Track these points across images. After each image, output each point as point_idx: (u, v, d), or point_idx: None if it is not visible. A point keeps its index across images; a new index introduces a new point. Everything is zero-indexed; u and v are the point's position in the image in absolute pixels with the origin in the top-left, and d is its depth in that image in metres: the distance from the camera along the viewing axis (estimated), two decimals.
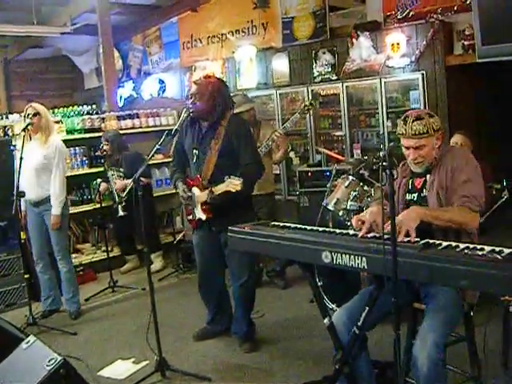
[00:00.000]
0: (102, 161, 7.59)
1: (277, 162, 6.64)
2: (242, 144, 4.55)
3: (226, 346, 4.93)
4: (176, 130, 4.38)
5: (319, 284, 5.22)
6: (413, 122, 3.25)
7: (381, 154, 2.54)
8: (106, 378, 4.52)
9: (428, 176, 3.37)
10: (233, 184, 4.16)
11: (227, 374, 4.43)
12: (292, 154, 8.94)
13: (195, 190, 4.61)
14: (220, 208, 4.44)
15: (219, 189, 4.31)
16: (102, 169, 7.55)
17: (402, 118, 3.33)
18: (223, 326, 5.09)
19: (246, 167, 4.49)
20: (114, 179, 7.09)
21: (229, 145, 4.53)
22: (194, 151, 4.65)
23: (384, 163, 2.58)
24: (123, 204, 6.66)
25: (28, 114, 5.50)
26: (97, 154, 7.57)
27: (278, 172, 8.58)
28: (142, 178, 6.80)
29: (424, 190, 3.39)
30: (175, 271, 7.31)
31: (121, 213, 6.82)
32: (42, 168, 5.55)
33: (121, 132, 7.67)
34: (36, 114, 5.50)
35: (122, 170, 7.06)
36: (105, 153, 7.23)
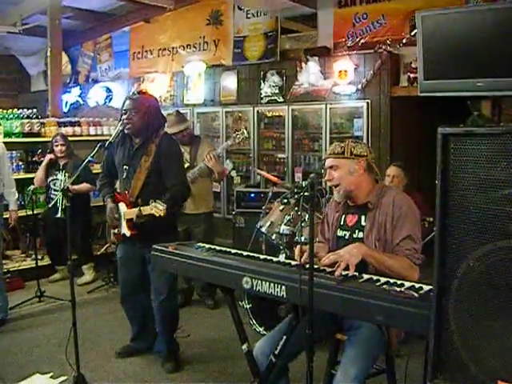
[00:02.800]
0: (39, 167, 7.43)
1: (217, 180, 6.59)
2: (170, 165, 4.51)
3: (148, 365, 4.83)
4: (110, 142, 4.31)
5: (247, 307, 5.20)
6: (335, 144, 3.30)
7: (303, 183, 2.52)
8: None
9: (363, 217, 3.34)
10: (157, 208, 4.14)
11: None
12: (234, 173, 8.92)
13: (122, 205, 4.55)
14: (144, 225, 4.38)
15: (145, 210, 4.26)
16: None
17: None
18: (147, 344, 5.00)
19: (172, 189, 4.44)
20: (62, 182, 6.93)
21: (158, 163, 4.48)
22: (125, 167, 4.58)
23: (305, 193, 2.56)
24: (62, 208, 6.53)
25: None
26: (34, 159, 7.42)
27: (218, 190, 8.54)
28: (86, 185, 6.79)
29: (357, 232, 3.35)
30: (105, 284, 7.16)
31: (59, 214, 6.68)
32: None
33: None
34: None
35: (67, 174, 6.92)
36: (58, 154, 7.00)
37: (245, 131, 6.65)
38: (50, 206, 6.83)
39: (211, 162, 5.99)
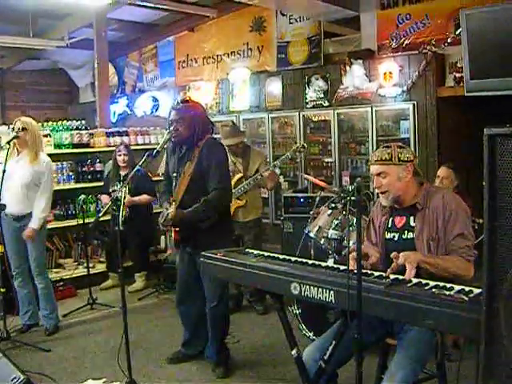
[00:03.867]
0: (89, 177, 7.60)
1: (270, 189, 6.66)
2: (212, 169, 4.53)
3: (198, 371, 4.86)
4: (157, 151, 4.34)
5: (297, 312, 5.20)
6: (380, 149, 3.29)
7: (349, 187, 2.52)
8: None
9: (412, 217, 3.33)
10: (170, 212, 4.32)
11: None
12: (281, 179, 8.92)
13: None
14: (191, 231, 4.45)
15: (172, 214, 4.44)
16: (87, 185, 7.57)
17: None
18: (198, 350, 5.03)
19: (212, 193, 4.49)
20: (124, 193, 7.03)
21: (200, 168, 4.51)
22: (174, 174, 4.66)
23: (352, 197, 2.55)
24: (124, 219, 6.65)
25: (15, 128, 5.45)
26: (84, 169, 7.59)
27: (266, 196, 8.58)
28: (145, 196, 6.88)
29: (406, 232, 3.34)
30: (155, 291, 7.24)
31: (120, 227, 6.79)
32: (30, 184, 5.47)
33: (110, 149, 7.66)
34: (23, 128, 5.40)
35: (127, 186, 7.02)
36: (120, 164, 7.08)
37: (305, 145, 6.75)
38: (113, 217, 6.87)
39: (270, 176, 6.10)
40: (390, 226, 3.44)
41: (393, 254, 3.02)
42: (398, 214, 3.40)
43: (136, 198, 6.79)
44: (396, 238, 3.38)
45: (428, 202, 3.29)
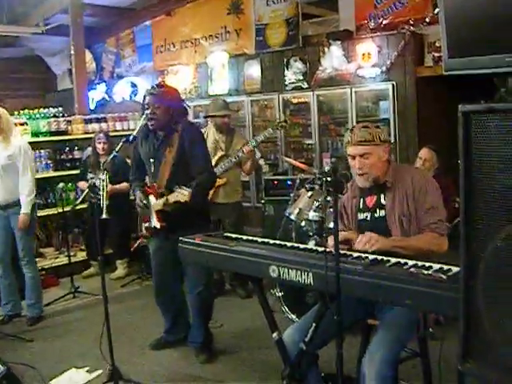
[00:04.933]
0: (68, 164, 7.53)
1: (247, 173, 6.60)
2: (195, 152, 4.51)
3: (181, 356, 4.86)
4: (134, 137, 4.29)
5: (279, 295, 5.19)
6: (359, 130, 3.24)
7: (325, 169, 2.50)
8: None
9: (382, 196, 3.34)
10: (182, 194, 4.16)
11: None
12: (262, 162, 8.88)
13: (151, 198, 4.59)
14: (175, 216, 4.41)
15: (171, 197, 4.31)
16: (66, 172, 7.52)
17: (350, 128, 3.31)
18: (180, 335, 5.02)
19: (198, 176, 4.45)
20: (103, 181, 6.98)
21: (183, 153, 4.48)
22: (151, 160, 4.61)
23: (328, 178, 2.53)
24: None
25: None
26: (62, 157, 7.52)
27: (247, 179, 8.55)
28: (125, 184, 6.82)
29: (377, 210, 3.35)
30: (138, 278, 7.22)
31: (104, 215, 6.74)
32: (6, 169, 5.45)
33: (88, 136, 7.58)
34: None
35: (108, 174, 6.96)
36: (100, 151, 7.05)
37: (287, 120, 6.71)
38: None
39: (249, 153, 6.04)
40: (361, 206, 3.45)
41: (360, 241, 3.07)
42: (369, 194, 3.40)
43: (117, 186, 6.73)
44: (368, 218, 3.39)
45: (397, 179, 3.30)
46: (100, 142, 7.03)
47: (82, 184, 7.15)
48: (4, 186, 5.49)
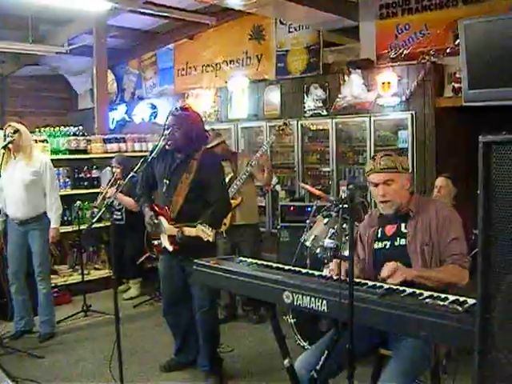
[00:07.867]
0: (86, 183, 7.59)
1: (265, 184, 6.61)
2: (212, 180, 4.52)
3: (191, 379, 4.84)
4: (152, 158, 4.30)
5: (292, 321, 5.16)
6: (381, 157, 3.24)
7: (342, 195, 2.49)
8: None
9: (403, 224, 3.32)
10: (205, 233, 4.14)
11: None
12: (278, 188, 8.88)
13: (163, 220, 4.57)
14: (193, 240, 4.37)
15: (189, 232, 4.29)
16: (83, 191, 7.58)
17: (371, 157, 3.31)
18: (191, 357, 4.99)
19: (214, 205, 4.46)
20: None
21: (200, 180, 4.48)
22: (165, 181, 4.60)
23: (345, 205, 2.52)
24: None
25: (8, 133, 5.43)
26: (80, 175, 7.57)
27: (263, 204, 8.56)
28: (131, 200, 6.83)
29: (398, 239, 3.32)
30: (151, 298, 7.21)
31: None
32: (31, 185, 5.51)
33: (107, 155, 7.64)
34: (16, 131, 5.41)
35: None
36: (116, 176, 7.06)
37: (286, 122, 6.80)
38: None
39: (262, 157, 6.20)
40: (379, 235, 3.42)
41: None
42: (389, 223, 3.38)
43: (125, 198, 6.72)
44: (387, 246, 3.36)
45: (421, 210, 3.29)
46: (113, 167, 7.12)
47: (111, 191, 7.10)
48: (27, 202, 5.53)
